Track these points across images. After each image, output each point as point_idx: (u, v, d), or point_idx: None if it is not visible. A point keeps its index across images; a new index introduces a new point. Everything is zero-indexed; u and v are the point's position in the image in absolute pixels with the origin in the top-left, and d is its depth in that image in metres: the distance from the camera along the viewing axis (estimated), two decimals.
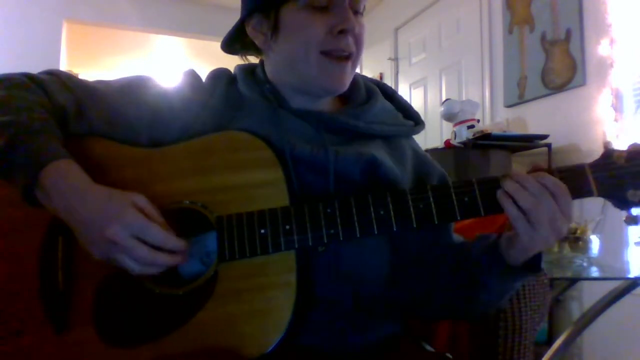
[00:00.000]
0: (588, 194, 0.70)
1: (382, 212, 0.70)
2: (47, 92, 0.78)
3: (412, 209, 0.70)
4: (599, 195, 0.69)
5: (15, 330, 0.71)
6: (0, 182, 0.73)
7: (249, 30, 0.84)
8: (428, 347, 0.93)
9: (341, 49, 0.78)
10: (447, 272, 0.82)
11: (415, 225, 0.70)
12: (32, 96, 0.76)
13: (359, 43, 0.80)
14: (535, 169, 0.70)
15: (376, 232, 0.71)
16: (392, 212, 0.70)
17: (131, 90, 0.83)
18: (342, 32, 0.77)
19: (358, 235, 0.70)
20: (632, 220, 0.71)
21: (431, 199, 0.70)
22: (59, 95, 0.79)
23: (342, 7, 0.77)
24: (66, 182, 0.68)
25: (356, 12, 0.80)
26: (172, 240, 0.67)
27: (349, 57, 0.80)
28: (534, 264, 0.73)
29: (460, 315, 0.92)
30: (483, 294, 0.78)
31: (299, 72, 0.81)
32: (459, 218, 0.71)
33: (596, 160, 0.70)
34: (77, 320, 0.71)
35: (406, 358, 0.84)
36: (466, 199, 0.70)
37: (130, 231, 0.65)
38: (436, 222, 0.70)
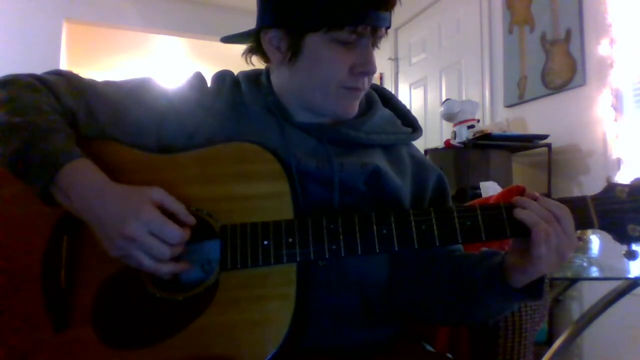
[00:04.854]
0: (589, 225, 0.70)
1: (384, 231, 0.71)
2: (56, 94, 0.78)
3: (414, 230, 0.71)
4: (600, 227, 0.70)
5: (15, 327, 0.72)
6: (6, 181, 0.74)
7: (263, 41, 0.82)
8: (428, 347, 0.93)
9: (357, 87, 0.80)
10: (446, 282, 0.81)
11: (416, 246, 0.71)
12: (42, 97, 0.76)
13: (370, 80, 0.83)
14: (533, 197, 0.70)
15: (377, 251, 0.71)
16: (394, 232, 0.71)
17: (139, 93, 0.83)
18: (362, 73, 0.79)
19: (359, 253, 0.71)
20: (631, 255, 0.71)
21: (434, 221, 0.71)
22: (67, 98, 0.79)
23: (366, 48, 0.78)
24: (84, 181, 0.69)
25: (375, 47, 0.81)
26: (187, 238, 0.68)
27: (362, 90, 0.82)
28: (536, 288, 0.72)
29: (455, 323, 0.92)
30: (480, 310, 0.79)
31: (312, 99, 0.82)
32: (460, 242, 0.71)
33: (598, 193, 0.71)
34: (77, 320, 0.71)
35: (406, 358, 0.84)
36: (468, 223, 0.70)
37: (147, 228, 0.66)
38: (437, 244, 0.71)
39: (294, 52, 0.79)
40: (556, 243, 0.66)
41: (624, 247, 0.71)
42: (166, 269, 0.69)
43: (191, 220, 0.70)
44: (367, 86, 0.82)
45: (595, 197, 0.70)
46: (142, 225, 0.66)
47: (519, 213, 0.68)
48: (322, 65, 0.78)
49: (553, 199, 0.70)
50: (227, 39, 0.88)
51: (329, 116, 0.84)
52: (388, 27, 0.80)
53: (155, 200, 0.68)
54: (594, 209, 0.69)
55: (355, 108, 0.83)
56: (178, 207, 0.70)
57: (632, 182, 0.71)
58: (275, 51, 0.81)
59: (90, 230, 0.70)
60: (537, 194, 0.71)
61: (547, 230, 0.65)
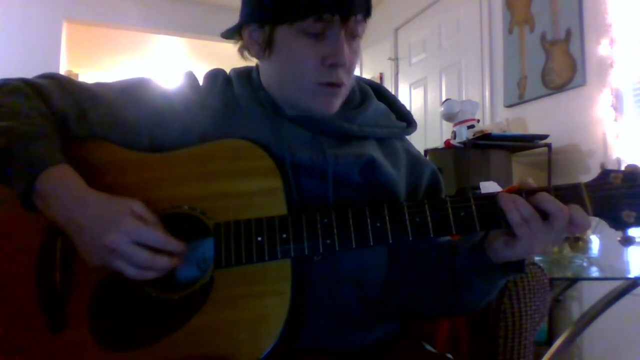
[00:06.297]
0: None
1: (378, 224, 0.71)
2: (46, 97, 0.78)
3: (408, 222, 0.71)
4: (594, 214, 0.69)
5: (11, 329, 0.72)
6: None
7: (245, 36, 0.83)
8: (428, 347, 0.93)
9: (332, 82, 0.78)
10: (433, 269, 0.82)
11: (411, 238, 0.70)
12: (29, 102, 0.75)
13: (349, 73, 0.80)
14: (526, 188, 0.70)
15: (372, 244, 0.71)
16: (388, 225, 0.71)
17: (131, 92, 0.83)
18: (333, 64, 0.76)
19: (354, 246, 0.70)
20: (627, 241, 0.71)
21: (427, 213, 0.71)
22: (58, 100, 0.78)
23: (337, 38, 0.75)
24: (62, 188, 0.68)
25: (354, 36, 0.78)
26: (172, 243, 0.68)
27: (340, 85, 0.79)
28: (518, 264, 0.73)
29: (447, 313, 0.92)
30: (467, 292, 0.79)
31: (289, 94, 0.81)
32: (454, 232, 0.71)
33: (592, 180, 0.71)
34: (73, 322, 0.71)
35: (406, 358, 0.84)
36: (463, 213, 0.70)
37: (129, 238, 0.65)
38: (432, 236, 0.71)
39: (267, 45, 0.79)
40: (542, 240, 0.67)
41: (619, 234, 0.71)
42: (150, 274, 0.67)
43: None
44: (345, 81, 0.79)
45: (589, 184, 0.70)
46: (124, 235, 0.64)
47: (507, 209, 0.68)
48: (292, 58, 0.77)
49: (549, 186, 0.70)
50: (226, 34, 0.88)
51: (310, 113, 0.83)
52: (366, 15, 0.77)
53: (135, 212, 0.67)
54: (588, 196, 0.69)
55: (334, 105, 0.81)
56: (156, 223, 0.68)
57: (626, 168, 0.71)
58: (254, 45, 0.82)
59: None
60: (531, 184, 0.70)
61: (528, 233, 0.66)
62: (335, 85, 0.78)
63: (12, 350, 0.71)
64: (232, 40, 0.88)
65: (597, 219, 0.70)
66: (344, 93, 0.82)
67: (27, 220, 0.74)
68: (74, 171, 0.70)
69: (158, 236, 0.66)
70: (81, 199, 0.68)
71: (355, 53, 0.79)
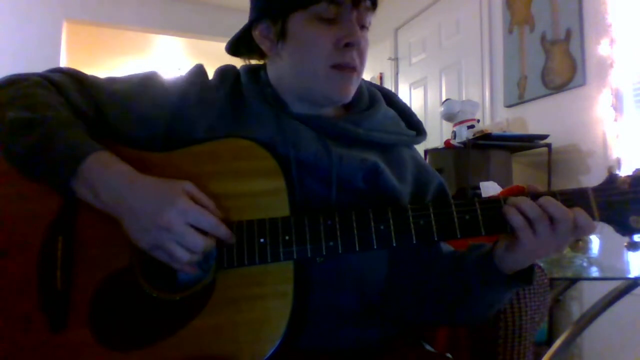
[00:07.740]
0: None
1: (382, 227, 0.70)
2: (64, 93, 0.78)
3: (412, 225, 0.70)
4: (601, 220, 0.69)
5: (12, 328, 0.71)
6: (1, 179, 0.74)
7: (255, 35, 0.84)
8: (428, 348, 0.93)
9: (347, 63, 0.79)
10: (438, 277, 0.82)
11: (415, 242, 0.70)
12: (52, 94, 0.76)
13: (362, 57, 0.81)
14: (532, 192, 0.70)
15: (375, 247, 0.70)
16: (392, 228, 0.70)
17: (146, 88, 0.83)
18: (347, 45, 0.78)
19: (357, 249, 0.70)
20: (633, 247, 0.70)
21: (432, 216, 0.70)
22: (75, 96, 0.79)
23: (349, 21, 0.78)
24: (111, 172, 0.69)
25: (362, 27, 0.80)
26: (222, 229, 0.69)
27: (354, 69, 0.81)
28: (525, 275, 0.73)
29: (448, 322, 0.92)
30: (472, 301, 0.78)
31: (304, 82, 0.81)
32: (459, 236, 0.70)
33: (599, 185, 0.70)
34: (74, 321, 0.71)
35: (406, 358, 0.84)
36: (467, 217, 0.69)
37: (185, 217, 0.66)
38: (436, 239, 0.70)
39: (280, 36, 0.80)
40: (546, 245, 0.67)
41: (626, 239, 0.70)
42: (192, 266, 0.69)
43: (219, 215, 0.70)
44: (358, 64, 0.80)
45: (596, 189, 0.69)
46: (179, 214, 0.66)
47: (507, 212, 0.68)
48: (306, 44, 0.79)
49: (555, 191, 0.69)
50: (232, 50, 0.90)
51: (324, 102, 0.84)
52: (373, 4, 0.80)
53: (188, 192, 0.68)
54: (595, 201, 0.68)
55: (349, 90, 0.82)
56: (208, 203, 0.70)
57: (634, 172, 0.69)
58: (265, 41, 0.83)
59: (86, 231, 0.70)
60: (537, 189, 0.70)
61: (531, 236, 0.66)
62: (349, 68, 0.80)
63: (12, 350, 0.71)
64: (238, 57, 0.90)
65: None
66: (357, 80, 0.83)
67: (28, 219, 0.74)
68: (117, 157, 0.71)
69: (211, 220, 0.67)
70: (132, 181, 0.69)
71: (366, 41, 0.81)
